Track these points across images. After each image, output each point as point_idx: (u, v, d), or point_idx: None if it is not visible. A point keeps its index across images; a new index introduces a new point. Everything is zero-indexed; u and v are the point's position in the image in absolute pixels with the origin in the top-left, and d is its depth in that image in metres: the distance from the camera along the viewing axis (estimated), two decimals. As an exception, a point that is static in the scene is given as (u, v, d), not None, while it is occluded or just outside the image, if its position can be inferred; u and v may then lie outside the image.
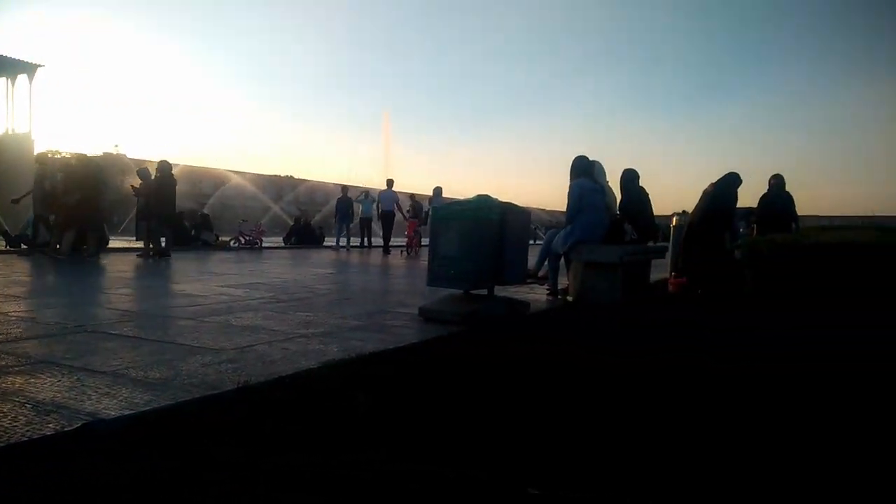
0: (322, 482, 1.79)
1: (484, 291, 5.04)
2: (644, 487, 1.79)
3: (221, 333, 3.96)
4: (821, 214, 27.16)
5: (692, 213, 7.61)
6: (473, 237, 4.73)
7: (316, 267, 10.63)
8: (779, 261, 3.30)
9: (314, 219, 23.88)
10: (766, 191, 8.62)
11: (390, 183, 17.03)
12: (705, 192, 7.42)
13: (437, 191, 16.05)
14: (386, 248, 16.42)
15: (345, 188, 18.05)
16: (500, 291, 5.44)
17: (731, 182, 7.23)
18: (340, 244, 17.68)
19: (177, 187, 11.88)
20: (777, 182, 8.49)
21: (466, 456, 2.00)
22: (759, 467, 1.94)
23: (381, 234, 17.27)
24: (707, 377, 3.05)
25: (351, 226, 18.25)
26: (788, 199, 8.48)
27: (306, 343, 3.74)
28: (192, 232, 16.11)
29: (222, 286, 6.80)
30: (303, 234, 19.47)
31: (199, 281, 7.44)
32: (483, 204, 4.81)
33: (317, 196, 36.20)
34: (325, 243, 19.40)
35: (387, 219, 16.75)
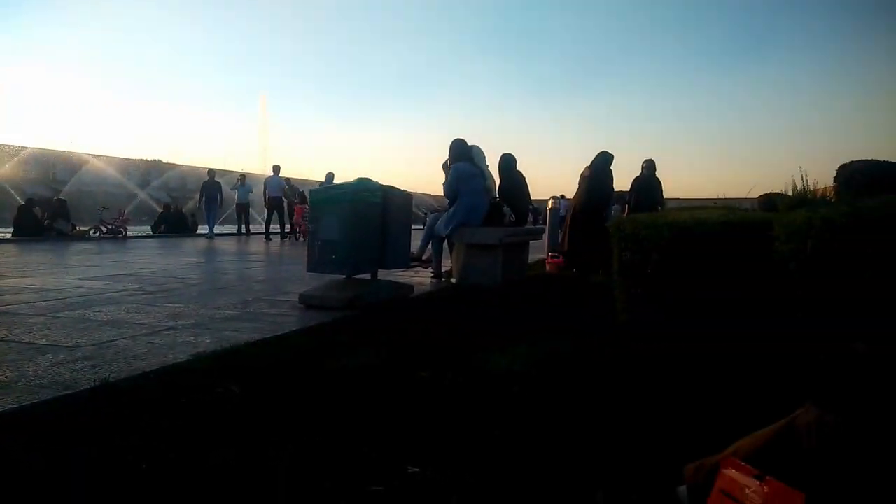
0: (188, 481, 1.67)
1: (367, 276, 4.97)
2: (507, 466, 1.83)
3: (77, 329, 3.61)
4: (681, 197, 29.45)
5: (574, 198, 7.90)
6: (355, 221, 4.64)
7: (188, 256, 10.01)
8: (640, 239, 3.50)
9: (186, 206, 22.48)
10: (638, 174, 9.17)
11: (276, 169, 16.55)
12: (583, 177, 7.75)
13: (329, 177, 15.69)
14: (282, 234, 16.23)
15: (211, 171, 16.96)
16: (385, 276, 5.40)
17: (604, 161, 7.60)
18: (215, 231, 16.74)
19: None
20: (648, 166, 9.05)
21: (348, 440, 1.96)
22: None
23: (259, 220, 16.70)
24: (584, 358, 3.20)
25: (220, 212, 17.36)
26: (658, 184, 9.08)
27: (175, 336, 3.50)
28: (46, 221, 14.62)
29: (79, 279, 6.22)
30: (173, 222, 18.26)
31: (52, 274, 6.75)
32: (363, 187, 4.72)
33: (189, 182, 34.05)
34: (198, 231, 18.33)
35: (275, 205, 16.25)
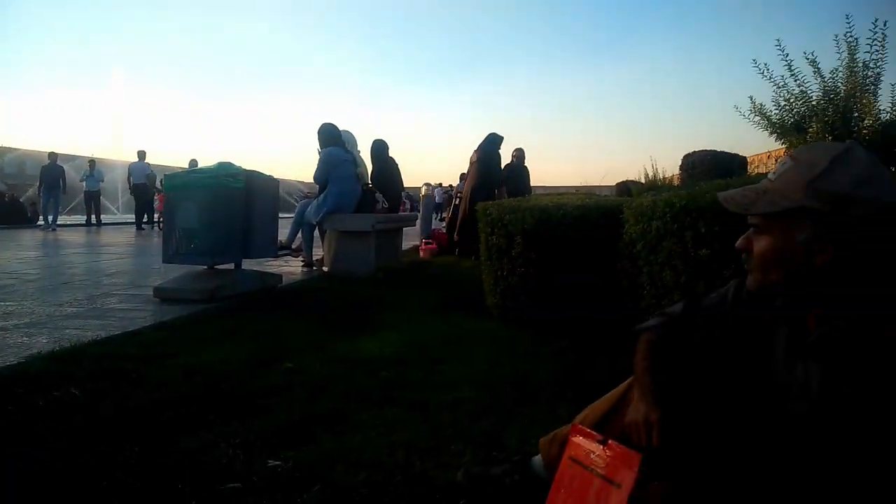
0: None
1: (230, 266, 4.72)
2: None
3: None
4: (548, 185, 30.91)
5: (466, 183, 7.90)
6: (215, 207, 4.37)
7: (25, 250, 8.97)
8: (504, 224, 3.61)
9: (25, 194, 20.19)
10: (508, 162, 9.41)
11: (142, 155, 15.49)
12: (472, 162, 7.80)
13: (194, 164, 14.81)
14: (139, 224, 15.14)
15: (52, 155, 15.22)
16: (251, 265, 5.16)
17: (491, 144, 7.68)
18: (56, 222, 15.06)
19: None
20: (519, 155, 9.31)
21: (206, 437, 1.84)
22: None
23: (113, 210, 15.46)
24: (450, 341, 3.24)
25: (64, 200, 15.78)
26: (526, 172, 9.38)
27: (4, 337, 3.11)
28: None
29: None
30: (8, 213, 16.33)
31: None
32: (225, 171, 4.45)
33: (28, 167, 30.55)
34: (39, 222, 16.51)
35: (140, 192, 15.06)
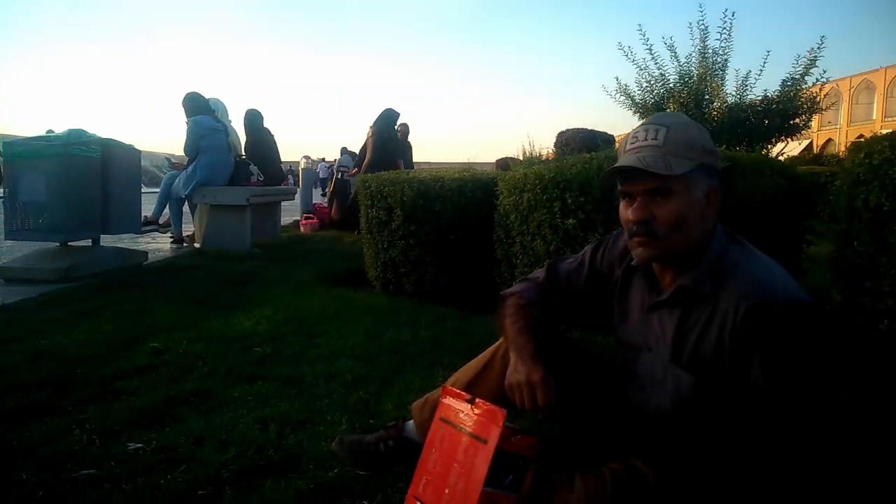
0: None
1: (88, 242, 4.34)
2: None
3: None
4: (431, 161, 31.08)
5: (367, 158, 7.72)
6: (66, 178, 3.97)
7: None
8: (384, 196, 3.60)
9: None
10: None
11: None
12: (368, 136, 7.62)
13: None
14: None
15: None
16: (113, 242, 4.78)
17: (385, 120, 7.54)
18: None
19: None
20: (403, 130, 9.25)
21: (59, 423, 1.70)
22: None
23: None
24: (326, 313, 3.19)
25: None
26: (409, 147, 9.35)
27: None
28: None
29: None
30: None
31: None
32: (76, 139, 4.05)
33: None
34: None
35: None
